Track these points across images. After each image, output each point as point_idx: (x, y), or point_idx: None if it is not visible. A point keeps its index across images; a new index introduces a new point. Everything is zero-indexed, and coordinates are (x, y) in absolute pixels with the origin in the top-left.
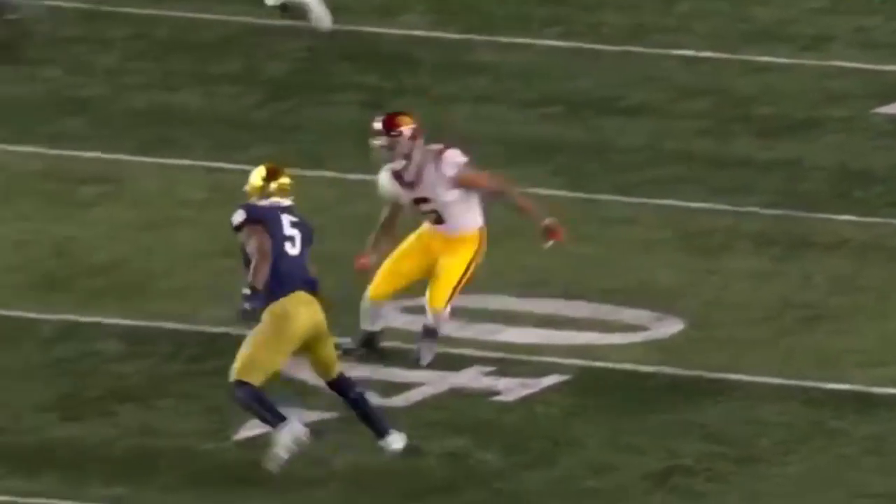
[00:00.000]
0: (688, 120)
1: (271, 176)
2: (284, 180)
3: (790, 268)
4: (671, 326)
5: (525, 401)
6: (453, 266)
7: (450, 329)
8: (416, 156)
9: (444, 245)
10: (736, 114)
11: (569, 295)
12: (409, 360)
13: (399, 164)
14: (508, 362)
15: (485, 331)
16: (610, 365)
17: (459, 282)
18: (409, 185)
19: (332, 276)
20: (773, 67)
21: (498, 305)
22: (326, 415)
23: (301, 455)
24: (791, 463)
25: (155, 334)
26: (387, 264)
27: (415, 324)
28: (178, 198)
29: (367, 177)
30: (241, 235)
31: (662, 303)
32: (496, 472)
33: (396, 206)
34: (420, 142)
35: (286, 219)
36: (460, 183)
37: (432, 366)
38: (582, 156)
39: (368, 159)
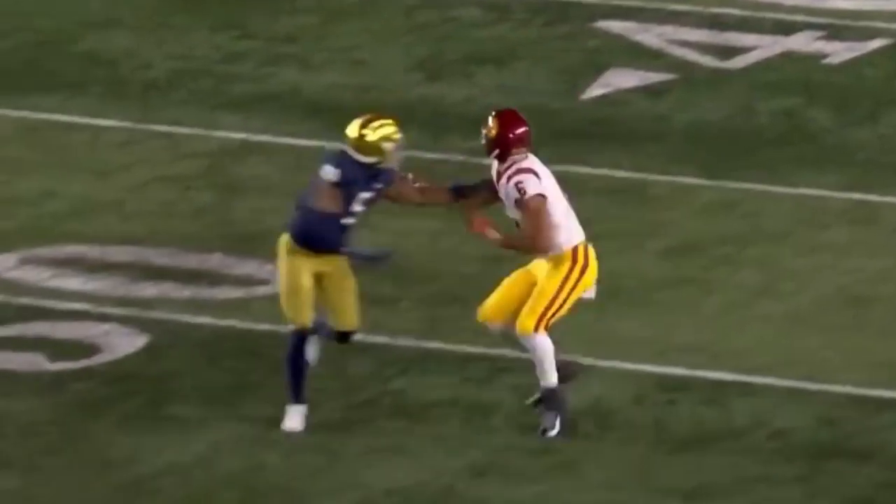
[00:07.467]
0: None
1: None
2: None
3: None
4: None
5: (852, 63)
6: (544, 288)
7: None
8: (505, 162)
9: (540, 265)
10: None
11: None
12: (744, 25)
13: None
14: (837, 27)
15: None
16: None
17: (550, 305)
18: (498, 179)
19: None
20: None
21: None
22: (668, 76)
23: (644, 112)
24: None
25: (515, 2)
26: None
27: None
28: None
29: None
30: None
31: None
32: (825, 128)
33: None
34: (513, 153)
35: None
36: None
37: (765, 30)
38: None
39: None
